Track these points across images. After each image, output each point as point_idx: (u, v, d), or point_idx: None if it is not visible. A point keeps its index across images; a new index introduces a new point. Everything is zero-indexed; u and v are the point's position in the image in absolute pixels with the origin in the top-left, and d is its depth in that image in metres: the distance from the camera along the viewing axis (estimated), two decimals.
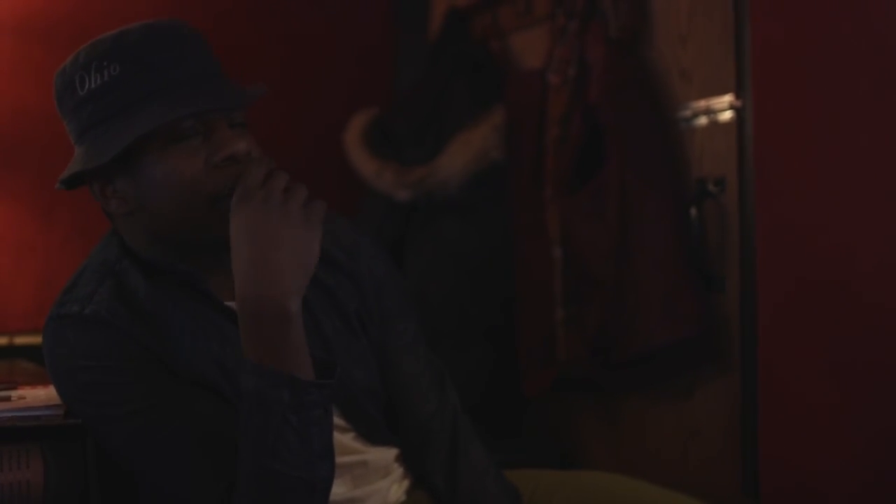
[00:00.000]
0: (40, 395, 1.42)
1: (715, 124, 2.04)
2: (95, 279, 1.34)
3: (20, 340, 2.35)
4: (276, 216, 1.19)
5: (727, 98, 2.01)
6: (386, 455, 1.48)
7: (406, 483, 1.51)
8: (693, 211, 2.05)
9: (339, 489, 1.41)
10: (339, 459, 1.37)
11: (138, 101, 1.26)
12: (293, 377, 1.18)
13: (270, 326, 1.18)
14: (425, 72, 2.73)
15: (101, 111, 1.28)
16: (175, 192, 1.26)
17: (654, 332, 2.06)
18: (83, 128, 1.30)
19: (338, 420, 1.41)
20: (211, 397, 1.29)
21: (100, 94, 1.28)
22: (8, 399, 1.40)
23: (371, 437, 1.45)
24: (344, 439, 1.42)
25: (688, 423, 2.13)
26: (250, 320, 1.19)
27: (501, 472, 1.52)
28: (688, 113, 2.10)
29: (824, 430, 1.67)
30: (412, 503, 1.49)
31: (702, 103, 2.07)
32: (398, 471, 1.50)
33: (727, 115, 2.01)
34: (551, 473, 1.63)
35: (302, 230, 1.20)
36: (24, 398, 1.41)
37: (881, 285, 1.58)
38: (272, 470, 1.19)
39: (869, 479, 1.60)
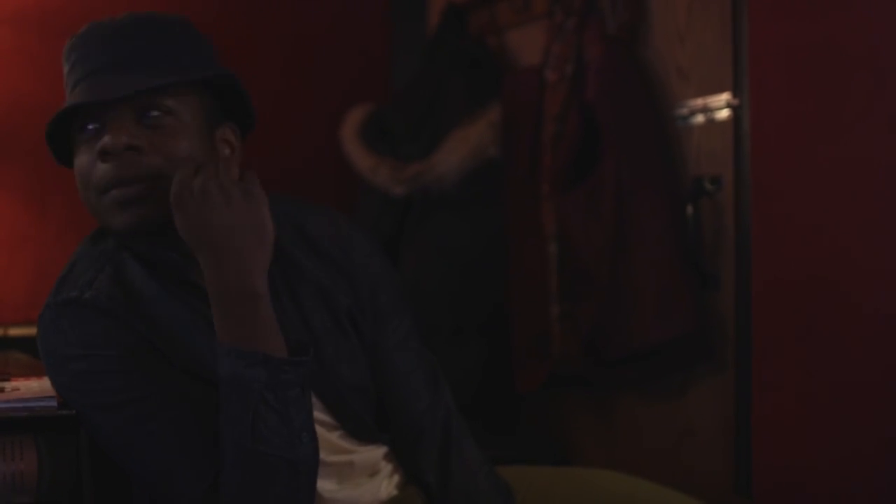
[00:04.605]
0: (34, 387, 1.42)
1: (712, 122, 2.04)
2: (95, 266, 1.34)
3: (14, 332, 2.35)
4: (219, 203, 1.21)
5: (724, 96, 2.01)
6: (373, 454, 1.47)
7: (396, 478, 1.50)
8: (689, 209, 2.05)
9: (328, 486, 1.41)
10: (326, 458, 1.37)
11: (69, 95, 1.33)
12: (267, 355, 1.20)
13: (240, 308, 1.21)
14: (422, 67, 2.72)
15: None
16: (79, 185, 1.33)
17: (648, 330, 2.06)
18: None
19: (325, 417, 1.40)
20: (206, 387, 1.29)
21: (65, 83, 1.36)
22: (1, 390, 1.39)
23: (358, 434, 1.45)
24: (331, 437, 1.41)
25: (681, 421, 2.13)
26: (220, 305, 1.22)
27: (494, 469, 1.52)
28: (685, 111, 2.10)
29: (818, 430, 1.68)
30: (405, 498, 1.49)
31: (699, 101, 2.07)
32: (386, 468, 1.49)
33: (724, 114, 2.01)
34: (546, 470, 1.63)
35: (248, 207, 1.23)
36: (18, 389, 1.40)
37: (876, 285, 1.58)
38: (254, 452, 1.20)
39: (861, 479, 1.60)
